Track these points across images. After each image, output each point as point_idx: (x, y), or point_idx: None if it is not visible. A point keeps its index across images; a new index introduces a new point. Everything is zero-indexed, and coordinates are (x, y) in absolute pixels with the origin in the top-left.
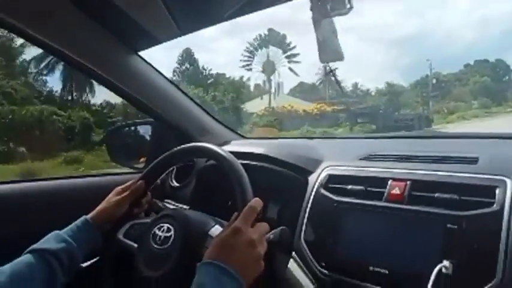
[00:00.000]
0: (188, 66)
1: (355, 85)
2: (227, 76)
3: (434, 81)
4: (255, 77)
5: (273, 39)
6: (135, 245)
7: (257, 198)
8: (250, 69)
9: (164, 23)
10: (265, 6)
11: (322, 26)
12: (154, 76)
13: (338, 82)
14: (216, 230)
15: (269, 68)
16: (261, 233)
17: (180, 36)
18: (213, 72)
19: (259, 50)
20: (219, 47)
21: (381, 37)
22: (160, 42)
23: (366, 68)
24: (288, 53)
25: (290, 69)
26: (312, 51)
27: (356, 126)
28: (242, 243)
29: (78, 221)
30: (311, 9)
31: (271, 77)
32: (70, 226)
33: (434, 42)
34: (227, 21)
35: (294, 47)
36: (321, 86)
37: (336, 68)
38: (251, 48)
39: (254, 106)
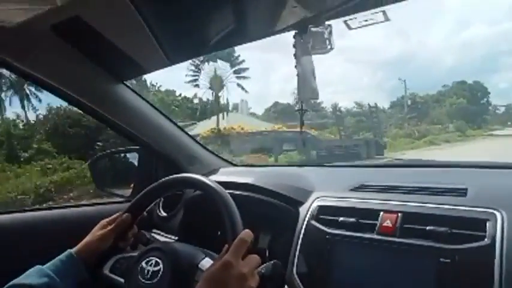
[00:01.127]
0: (134, 82)
1: (335, 106)
2: (177, 94)
3: (409, 102)
4: (202, 94)
5: (220, 52)
6: (122, 280)
7: (247, 230)
8: (198, 85)
9: (153, 54)
10: (251, 39)
11: (303, 64)
12: (141, 105)
13: (302, 121)
14: (206, 262)
15: (217, 84)
16: (252, 267)
17: (169, 66)
18: (163, 89)
19: (206, 63)
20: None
21: (368, 59)
22: (148, 72)
23: (353, 89)
24: (236, 68)
25: (238, 85)
26: (286, 70)
27: (280, 154)
28: (233, 277)
29: (62, 255)
30: (294, 46)
31: (222, 93)
32: (54, 260)
33: (418, 65)
34: (214, 51)
35: (243, 61)
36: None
37: (307, 110)
38: (197, 62)
39: (205, 126)
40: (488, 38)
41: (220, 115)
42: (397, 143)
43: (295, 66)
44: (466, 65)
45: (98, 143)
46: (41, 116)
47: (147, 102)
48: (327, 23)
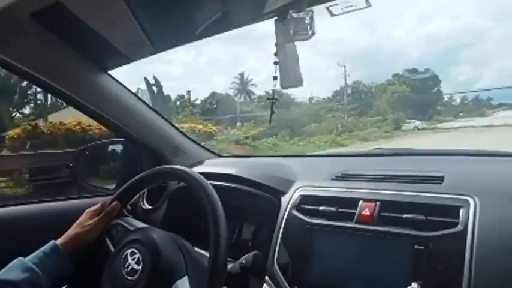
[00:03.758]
0: None
1: (288, 96)
2: None
3: (349, 91)
4: None
5: None
6: (112, 249)
7: None
8: None
9: (138, 42)
10: (235, 26)
11: (285, 51)
12: (125, 95)
13: (272, 111)
14: (181, 283)
15: None
16: None
17: (154, 54)
18: None
19: None
20: (175, 59)
21: (336, 51)
22: (133, 61)
23: (321, 80)
24: None
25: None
26: (234, 63)
27: None
28: None
29: (46, 247)
30: (275, 33)
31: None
32: (36, 252)
33: (384, 57)
34: (200, 39)
35: None
36: (238, 98)
37: (277, 99)
38: None
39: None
40: (450, 31)
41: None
42: (281, 144)
43: (275, 54)
44: (429, 57)
45: None
46: None
47: (132, 93)
48: (308, 8)
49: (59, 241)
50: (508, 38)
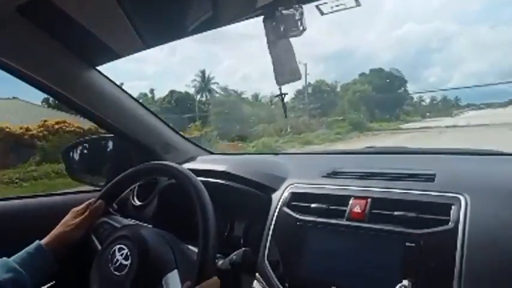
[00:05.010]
0: None
1: (256, 96)
2: None
3: (309, 90)
4: None
5: None
6: (99, 247)
7: (215, 279)
8: None
9: (128, 38)
10: (224, 23)
11: (278, 47)
12: (114, 91)
13: (285, 106)
14: (172, 276)
15: None
16: None
17: (144, 50)
18: None
19: None
20: (148, 57)
21: (308, 53)
22: (122, 57)
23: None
24: None
25: None
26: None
27: None
28: None
29: (30, 247)
30: (266, 31)
31: None
32: (21, 252)
33: (357, 59)
34: (190, 36)
35: None
36: (200, 96)
37: (286, 94)
38: None
39: None
40: (420, 35)
41: None
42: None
43: (269, 52)
44: (400, 60)
45: None
46: None
47: (121, 89)
48: (297, 4)
49: (44, 241)
50: (473, 42)
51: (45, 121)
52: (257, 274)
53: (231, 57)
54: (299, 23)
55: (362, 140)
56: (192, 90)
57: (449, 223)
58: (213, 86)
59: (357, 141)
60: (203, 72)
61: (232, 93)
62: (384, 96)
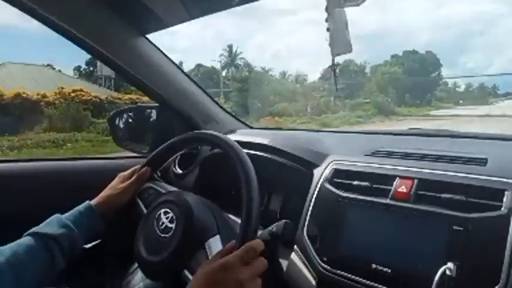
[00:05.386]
0: None
1: (283, 73)
2: None
3: (338, 70)
4: None
5: None
6: (144, 210)
7: (259, 241)
8: None
9: (173, 7)
10: None
11: (335, 17)
12: (161, 60)
13: (336, 79)
14: (214, 240)
15: None
16: (254, 274)
17: (189, 20)
18: None
19: None
20: (180, 31)
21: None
22: (168, 26)
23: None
24: None
25: None
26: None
27: None
28: (229, 281)
29: (81, 206)
30: None
31: None
32: (73, 211)
33: (394, 41)
34: (236, 6)
35: None
36: (226, 72)
37: (339, 64)
38: None
39: None
40: (462, 17)
41: None
42: None
43: (326, 21)
44: (439, 42)
45: None
46: None
47: (168, 58)
48: None
49: (93, 202)
50: None
51: (62, 88)
52: (295, 247)
53: (263, 33)
54: None
55: (385, 125)
56: (218, 65)
57: (502, 208)
58: (240, 62)
59: (378, 126)
60: (230, 47)
61: (260, 70)
62: (415, 79)
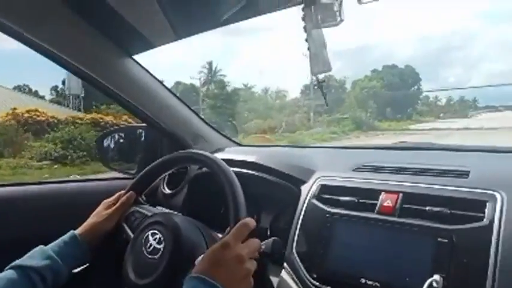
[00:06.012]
0: None
1: (265, 90)
2: None
3: (322, 86)
4: None
5: None
6: (131, 235)
7: (250, 219)
8: None
9: (160, 27)
10: (260, 13)
11: (314, 37)
12: (148, 80)
13: (324, 94)
14: None
15: None
16: (251, 250)
17: (176, 40)
18: None
19: None
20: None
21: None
22: (155, 47)
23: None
24: None
25: None
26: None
27: None
28: (230, 258)
29: (66, 236)
30: (303, 19)
31: None
32: (57, 241)
33: (376, 57)
34: (223, 26)
35: None
36: (205, 89)
37: (324, 81)
38: None
39: None
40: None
41: None
42: None
43: (306, 40)
44: (420, 57)
45: None
46: None
47: (155, 78)
48: None
49: (78, 231)
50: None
51: (15, 109)
52: (285, 264)
53: (246, 50)
54: (337, 14)
55: (361, 140)
56: (197, 83)
57: (484, 220)
58: (223, 78)
59: (353, 142)
60: (210, 63)
61: (241, 87)
62: (395, 94)
